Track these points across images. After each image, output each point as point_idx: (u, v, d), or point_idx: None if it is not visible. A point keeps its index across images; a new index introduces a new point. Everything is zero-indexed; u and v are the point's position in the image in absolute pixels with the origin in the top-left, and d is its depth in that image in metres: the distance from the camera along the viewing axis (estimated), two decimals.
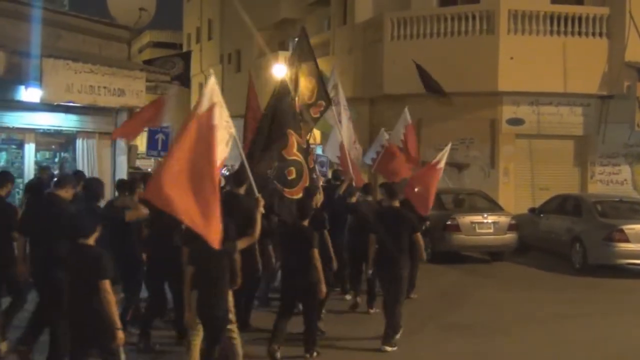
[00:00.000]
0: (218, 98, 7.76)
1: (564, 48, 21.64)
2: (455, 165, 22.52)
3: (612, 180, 22.95)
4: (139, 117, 13.57)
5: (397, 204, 10.40)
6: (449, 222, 17.03)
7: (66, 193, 8.52)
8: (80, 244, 6.57)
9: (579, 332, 11.25)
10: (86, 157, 16.34)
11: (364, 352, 9.84)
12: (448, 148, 14.75)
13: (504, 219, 17.54)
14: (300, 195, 10.24)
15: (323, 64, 27.51)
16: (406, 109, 17.75)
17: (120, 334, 6.49)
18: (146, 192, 7.82)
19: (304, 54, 13.67)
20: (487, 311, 12.54)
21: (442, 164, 13.92)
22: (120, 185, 10.48)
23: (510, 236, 17.54)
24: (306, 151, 10.72)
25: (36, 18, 14.98)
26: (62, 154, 16.68)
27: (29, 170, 14.87)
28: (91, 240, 6.62)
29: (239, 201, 9.43)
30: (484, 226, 17.28)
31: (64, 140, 16.65)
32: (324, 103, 13.61)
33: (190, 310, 7.53)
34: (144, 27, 23.07)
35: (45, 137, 15.92)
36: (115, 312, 6.43)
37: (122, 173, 16.33)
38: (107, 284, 6.34)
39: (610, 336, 11.01)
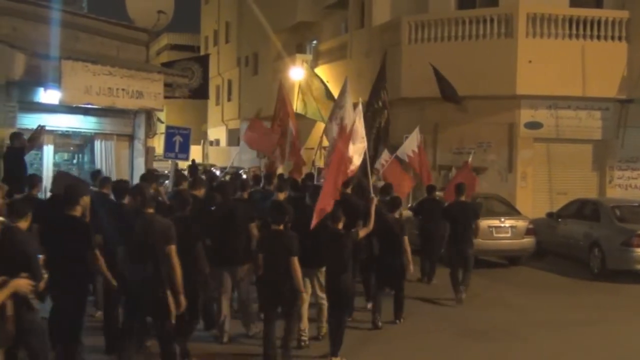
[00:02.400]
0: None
1: (582, 51, 21.51)
2: (473, 169, 22.44)
3: (631, 185, 22.78)
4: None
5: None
6: None
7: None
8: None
9: (597, 338, 11.17)
10: (104, 159, 16.43)
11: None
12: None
13: (521, 223, 17.46)
14: None
15: (340, 67, 27.68)
16: (417, 129, 17.71)
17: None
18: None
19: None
20: (504, 316, 12.49)
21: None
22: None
23: (528, 240, 17.46)
24: None
25: (55, 20, 15.07)
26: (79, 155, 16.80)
27: (48, 172, 14.93)
28: None
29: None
30: (502, 230, 17.20)
31: (83, 142, 16.75)
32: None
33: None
34: (162, 29, 23.15)
35: (63, 139, 16.02)
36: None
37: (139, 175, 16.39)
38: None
39: (628, 343, 10.94)
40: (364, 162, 11.77)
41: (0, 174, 12.58)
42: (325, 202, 9.58)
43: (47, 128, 13.76)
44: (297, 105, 20.19)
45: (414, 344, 10.55)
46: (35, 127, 13.46)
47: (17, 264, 5.90)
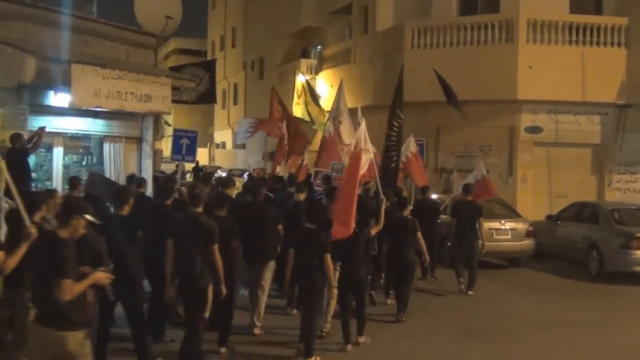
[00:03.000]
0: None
1: (582, 57, 21.54)
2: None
3: (629, 188, 22.78)
4: None
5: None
6: None
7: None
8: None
9: (595, 338, 11.17)
10: (113, 161, 16.47)
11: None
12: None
13: (521, 226, 17.47)
14: None
15: (344, 71, 27.70)
16: (411, 137, 17.75)
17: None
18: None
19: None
20: (504, 316, 12.49)
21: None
22: None
23: (528, 242, 17.47)
24: None
25: (65, 25, 15.16)
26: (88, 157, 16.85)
27: (57, 173, 15.00)
28: None
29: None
30: (502, 232, 17.21)
31: (92, 144, 16.80)
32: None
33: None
34: (170, 34, 23.20)
35: (73, 141, 16.07)
36: None
37: (147, 176, 16.44)
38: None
39: (626, 343, 10.93)
40: (371, 168, 12.36)
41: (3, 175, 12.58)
42: (343, 227, 9.98)
43: (57, 130, 13.83)
44: (294, 110, 20.77)
45: (415, 343, 10.56)
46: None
47: (92, 259, 6.32)
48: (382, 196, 11.67)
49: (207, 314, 8.26)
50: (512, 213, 18.34)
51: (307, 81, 23.32)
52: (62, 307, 5.72)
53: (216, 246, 8.21)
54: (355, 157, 11.10)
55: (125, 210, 8.46)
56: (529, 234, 17.43)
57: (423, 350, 10.25)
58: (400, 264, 11.84)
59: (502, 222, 17.35)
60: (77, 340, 5.91)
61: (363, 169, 11.53)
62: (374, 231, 11.05)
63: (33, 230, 6.36)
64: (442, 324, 11.80)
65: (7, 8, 14.11)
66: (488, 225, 17.03)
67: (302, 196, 11.92)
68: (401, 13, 25.11)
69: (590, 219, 17.33)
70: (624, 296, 14.76)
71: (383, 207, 11.35)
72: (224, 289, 8.42)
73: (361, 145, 11.25)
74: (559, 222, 18.46)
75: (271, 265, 10.59)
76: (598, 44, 21.88)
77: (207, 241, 8.15)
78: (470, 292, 14.10)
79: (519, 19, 21.72)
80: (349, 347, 9.83)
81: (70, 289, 5.75)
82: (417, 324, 11.71)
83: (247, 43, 44.75)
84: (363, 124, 11.66)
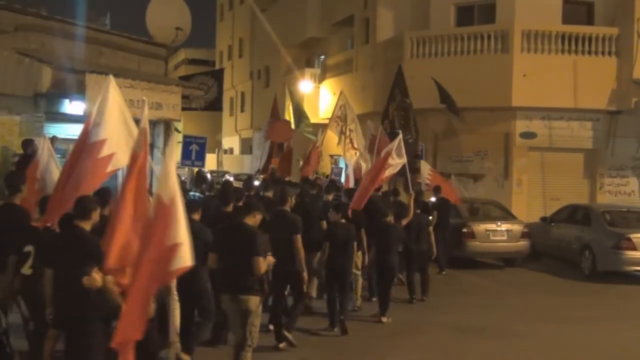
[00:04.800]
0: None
1: (574, 66, 21.50)
2: (471, 176, 22.49)
3: (620, 192, 22.73)
4: None
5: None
6: (464, 230, 16.96)
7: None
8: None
9: (587, 335, 11.15)
10: (125, 166, 16.44)
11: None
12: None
13: (516, 227, 17.45)
14: None
15: (346, 80, 27.74)
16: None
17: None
18: None
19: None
20: (500, 314, 12.47)
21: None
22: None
23: (523, 243, 17.45)
24: None
25: (80, 36, 15.19)
26: None
27: None
28: None
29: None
30: (498, 234, 17.20)
31: None
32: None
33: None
34: (180, 45, 23.25)
35: None
36: None
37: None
38: None
39: (616, 340, 10.91)
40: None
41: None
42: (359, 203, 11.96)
43: (72, 137, 13.79)
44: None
45: (413, 342, 10.53)
46: (59, 136, 13.55)
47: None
48: (411, 191, 13.28)
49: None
50: (507, 215, 18.33)
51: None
52: (249, 279, 7.52)
53: (299, 236, 9.38)
54: (382, 161, 13.05)
55: (196, 215, 8.63)
56: (524, 235, 17.42)
57: (421, 347, 10.21)
58: (383, 268, 11.60)
59: (498, 223, 17.34)
60: (256, 303, 7.68)
61: (385, 174, 13.11)
62: (404, 222, 12.30)
63: None
64: (438, 321, 11.76)
65: (25, 20, 14.15)
66: (485, 227, 17.11)
67: (330, 197, 12.73)
68: (401, 24, 25.10)
69: (583, 220, 17.30)
70: (615, 294, 14.73)
71: (412, 201, 13.03)
72: (305, 276, 9.53)
73: (392, 155, 13.01)
74: (553, 224, 18.42)
75: (317, 256, 11.16)
76: (590, 53, 21.85)
77: (293, 231, 9.39)
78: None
79: (514, 30, 21.70)
80: (384, 319, 11.26)
81: (262, 265, 7.61)
82: (414, 321, 11.69)
83: (253, 53, 44.78)
84: (400, 137, 13.48)
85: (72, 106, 13.86)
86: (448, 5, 24.29)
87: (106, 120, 7.67)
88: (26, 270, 7.38)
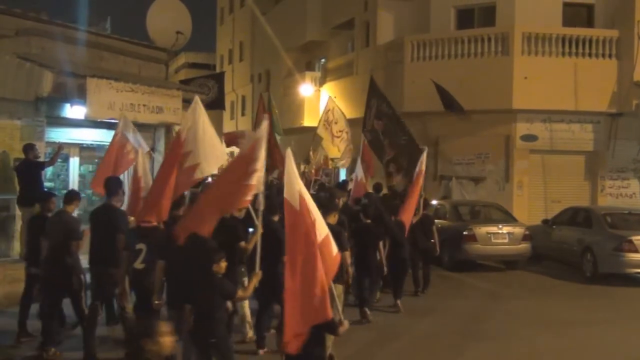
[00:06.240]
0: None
1: (575, 68, 21.52)
2: (472, 179, 22.49)
3: (621, 194, 22.72)
4: None
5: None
6: (466, 233, 16.96)
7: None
8: None
9: (589, 337, 11.15)
10: (126, 171, 16.44)
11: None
12: None
13: (518, 230, 17.44)
14: None
15: (347, 83, 27.75)
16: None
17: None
18: None
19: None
20: (502, 316, 12.47)
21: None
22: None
23: (524, 246, 17.44)
24: None
25: (81, 41, 15.20)
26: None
27: (74, 183, 15.01)
28: None
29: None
30: (499, 236, 17.19)
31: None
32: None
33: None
34: (181, 49, 23.21)
35: (88, 151, 16.05)
36: None
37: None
38: None
39: (619, 342, 10.92)
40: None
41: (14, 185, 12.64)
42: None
43: (73, 141, 13.85)
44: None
45: (415, 344, 10.54)
46: (60, 140, 13.58)
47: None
48: (421, 192, 14.05)
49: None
50: (509, 218, 18.33)
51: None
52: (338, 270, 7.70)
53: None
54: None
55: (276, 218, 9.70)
56: (525, 238, 17.40)
57: (424, 349, 10.21)
58: (364, 268, 11.63)
59: (500, 226, 17.33)
60: (340, 290, 8.96)
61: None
62: (414, 219, 13.70)
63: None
64: (441, 324, 11.77)
65: (26, 25, 14.14)
66: (486, 229, 17.11)
67: (341, 201, 13.22)
68: (401, 27, 25.12)
69: (584, 223, 17.30)
70: (617, 297, 14.73)
71: (422, 200, 14.22)
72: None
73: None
74: (554, 227, 18.41)
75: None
76: (590, 55, 21.86)
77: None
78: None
79: (514, 32, 21.72)
80: (399, 302, 12.49)
81: (348, 258, 9.30)
82: (417, 324, 11.69)
83: (254, 57, 44.79)
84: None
85: (73, 110, 13.86)
86: (448, 8, 24.30)
87: (192, 134, 8.64)
88: (138, 265, 8.31)
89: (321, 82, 31.24)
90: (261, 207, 7.90)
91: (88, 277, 9.46)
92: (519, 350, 10.37)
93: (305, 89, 31.07)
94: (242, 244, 8.92)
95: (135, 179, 10.23)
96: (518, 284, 16.22)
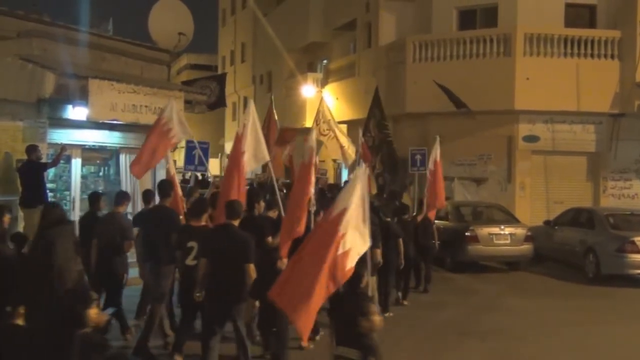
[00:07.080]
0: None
1: (577, 69, 21.50)
2: (474, 180, 22.47)
3: (623, 195, 22.70)
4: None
5: None
6: (468, 234, 16.97)
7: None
8: None
9: (592, 338, 11.15)
10: (128, 171, 16.47)
11: None
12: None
13: (520, 231, 17.43)
14: None
15: (349, 84, 27.75)
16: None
17: None
18: None
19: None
20: (504, 317, 12.47)
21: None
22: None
23: (526, 247, 17.43)
24: None
25: (83, 42, 15.23)
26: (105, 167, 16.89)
27: (76, 183, 15.03)
28: None
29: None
30: (501, 237, 17.18)
31: (108, 156, 16.82)
32: None
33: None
34: (183, 50, 23.23)
35: (90, 153, 16.07)
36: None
37: None
38: None
39: (621, 342, 10.92)
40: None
41: (17, 186, 12.67)
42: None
43: (75, 142, 13.85)
44: None
45: (417, 344, 10.54)
46: (63, 141, 13.59)
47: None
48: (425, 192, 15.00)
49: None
50: (511, 219, 18.32)
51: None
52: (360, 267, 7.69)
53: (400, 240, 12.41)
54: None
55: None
56: (527, 239, 17.40)
57: (426, 350, 10.22)
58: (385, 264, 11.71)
59: (502, 227, 17.33)
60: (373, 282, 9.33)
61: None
62: (419, 218, 14.62)
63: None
64: (442, 324, 11.77)
65: (28, 26, 14.17)
66: (488, 230, 17.11)
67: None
68: (403, 28, 25.12)
69: (587, 224, 17.29)
70: (619, 298, 14.72)
71: (425, 201, 15.14)
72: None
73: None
74: (556, 227, 18.41)
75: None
76: (592, 56, 21.84)
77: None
78: None
79: (517, 33, 21.70)
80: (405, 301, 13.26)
81: (378, 255, 10.45)
82: (419, 324, 11.69)
83: (256, 58, 44.81)
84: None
85: (75, 112, 13.89)
86: (450, 9, 24.29)
87: (247, 136, 9.82)
88: (189, 261, 8.71)
89: (323, 83, 31.25)
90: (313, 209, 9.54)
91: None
92: (521, 351, 10.37)
93: (307, 90, 31.10)
94: (269, 239, 9.27)
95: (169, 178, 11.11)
96: (520, 285, 16.20)
